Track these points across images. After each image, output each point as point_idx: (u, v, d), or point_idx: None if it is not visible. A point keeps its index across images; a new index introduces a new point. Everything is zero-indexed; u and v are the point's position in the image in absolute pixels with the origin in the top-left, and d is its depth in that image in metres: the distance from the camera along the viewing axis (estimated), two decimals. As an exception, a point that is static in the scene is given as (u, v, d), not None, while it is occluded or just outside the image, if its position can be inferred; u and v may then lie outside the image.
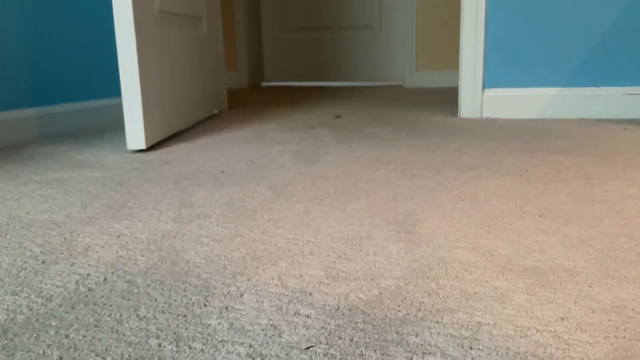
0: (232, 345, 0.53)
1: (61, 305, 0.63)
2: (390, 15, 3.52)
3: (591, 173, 1.15)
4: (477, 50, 1.90)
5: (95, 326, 0.58)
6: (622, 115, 1.83)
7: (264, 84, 4.03)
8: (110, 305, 0.63)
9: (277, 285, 0.67)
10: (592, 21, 1.82)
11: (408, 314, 0.59)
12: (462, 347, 0.52)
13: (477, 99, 1.94)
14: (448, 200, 0.99)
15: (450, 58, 3.34)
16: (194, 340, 0.55)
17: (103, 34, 2.11)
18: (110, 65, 2.16)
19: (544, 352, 0.51)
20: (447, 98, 2.78)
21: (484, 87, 1.94)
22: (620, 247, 0.75)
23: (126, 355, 0.52)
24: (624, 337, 0.53)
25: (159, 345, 0.54)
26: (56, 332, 0.57)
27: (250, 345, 0.53)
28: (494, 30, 1.90)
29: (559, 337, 0.53)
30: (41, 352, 0.53)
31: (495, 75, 1.93)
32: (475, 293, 0.63)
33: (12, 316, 0.61)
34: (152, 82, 1.59)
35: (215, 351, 0.53)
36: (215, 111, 2.28)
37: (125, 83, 1.49)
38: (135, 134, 1.51)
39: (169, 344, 0.54)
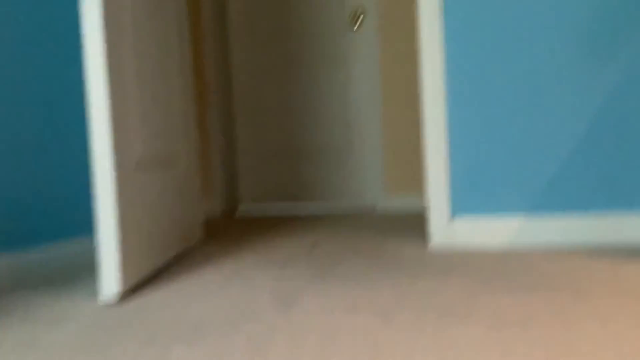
0: None
1: None
2: (359, 136, 3.67)
3: (559, 313, 1.17)
4: (442, 179, 1.99)
5: None
6: (588, 241, 1.90)
7: (240, 212, 4.08)
8: None
9: None
10: (558, 144, 1.93)
11: None
12: None
13: (446, 227, 2.00)
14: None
15: (421, 181, 3.47)
16: None
17: (75, 173, 2.15)
18: (82, 203, 2.18)
19: None
20: (419, 225, 2.84)
21: (452, 216, 2.01)
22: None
23: None
24: None
25: None
26: None
27: None
28: (458, 157, 2.00)
29: None
30: None
31: (464, 202, 2.01)
32: None
33: None
34: (129, 232, 1.60)
35: None
36: (192, 244, 2.29)
37: (102, 236, 1.51)
38: (109, 286, 1.50)
39: None
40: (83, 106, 2.21)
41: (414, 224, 2.78)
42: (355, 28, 3.61)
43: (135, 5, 1.80)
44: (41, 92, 2.06)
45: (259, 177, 4.00)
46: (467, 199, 2.01)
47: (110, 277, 1.52)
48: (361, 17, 3.58)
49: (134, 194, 1.66)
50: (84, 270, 1.99)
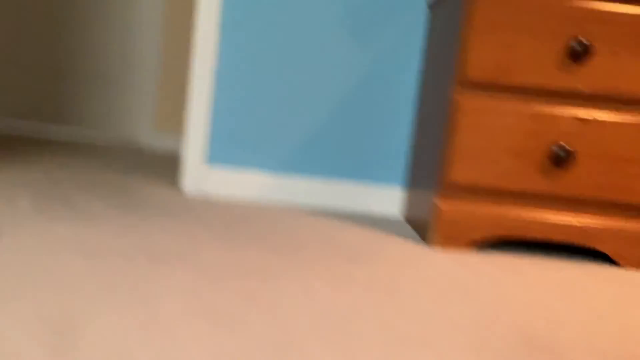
0: None
1: None
2: (133, 66, 3.48)
3: (268, 269, 1.28)
4: (203, 125, 2.00)
5: None
6: (319, 202, 2.09)
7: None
8: None
9: None
10: (309, 113, 2.06)
11: None
12: None
13: (200, 173, 2.03)
14: (124, 294, 1.01)
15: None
16: None
17: None
18: None
19: None
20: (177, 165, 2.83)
21: (206, 162, 2.04)
22: (261, 349, 0.84)
23: None
24: None
25: None
26: None
27: None
28: (221, 107, 2.02)
29: None
30: None
31: (220, 151, 2.05)
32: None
33: None
34: None
35: None
36: None
37: None
38: None
39: None
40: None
41: (176, 166, 2.76)
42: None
43: None
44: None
45: (14, 92, 3.58)
46: (224, 149, 2.05)
47: None
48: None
49: None
50: None
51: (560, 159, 1.57)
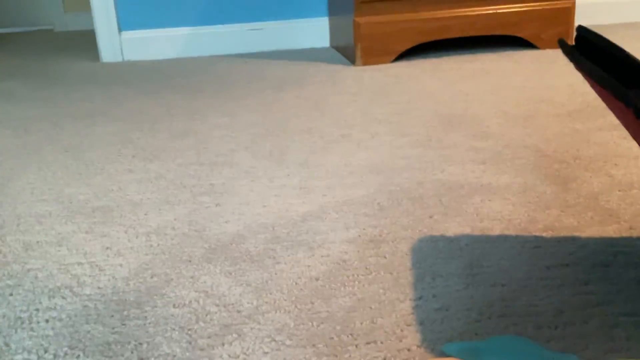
0: None
1: None
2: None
3: (197, 108, 1.29)
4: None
5: None
6: (246, 49, 2.06)
7: None
8: None
9: None
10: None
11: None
12: (2, 295, 0.58)
13: (115, 42, 1.95)
14: (52, 153, 1.02)
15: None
16: None
17: None
18: None
19: (77, 282, 0.60)
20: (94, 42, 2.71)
21: (120, 30, 1.96)
22: (190, 175, 0.89)
23: None
24: (154, 253, 0.66)
25: None
26: None
27: None
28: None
29: (96, 265, 0.64)
30: None
31: (131, 16, 1.96)
32: (37, 242, 0.69)
33: None
34: None
35: None
36: None
37: None
38: None
39: None
40: None
41: (91, 42, 2.64)
42: None
43: None
44: None
45: None
46: (135, 14, 1.96)
47: None
48: None
49: None
50: None
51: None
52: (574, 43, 0.54)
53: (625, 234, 0.65)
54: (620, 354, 0.46)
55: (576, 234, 0.65)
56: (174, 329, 0.52)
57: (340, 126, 1.09)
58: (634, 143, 0.91)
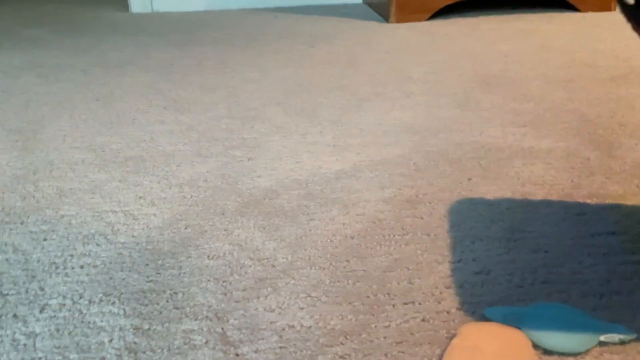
0: None
1: None
2: None
3: (228, 62, 1.27)
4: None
5: None
6: (276, 4, 2.01)
7: None
8: None
9: None
10: None
11: (-2, 219, 0.62)
12: (36, 240, 0.58)
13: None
14: (83, 102, 1.02)
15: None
16: None
17: None
18: None
19: (112, 230, 0.60)
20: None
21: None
22: (222, 129, 0.88)
23: None
24: (187, 204, 0.65)
25: None
26: None
27: None
28: None
29: (130, 214, 0.63)
30: None
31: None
32: (70, 189, 0.69)
33: None
34: None
35: None
36: None
37: None
38: None
39: None
40: None
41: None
42: None
43: None
44: None
45: None
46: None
47: None
48: None
49: None
50: None
51: None
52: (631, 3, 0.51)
53: (674, 204, 0.62)
54: (672, 326, 0.44)
55: (622, 202, 0.63)
56: (209, 280, 0.52)
57: (373, 84, 1.06)
58: (682, 111, 0.87)
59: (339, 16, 1.77)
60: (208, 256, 0.56)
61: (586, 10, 1.61)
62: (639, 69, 1.08)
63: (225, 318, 0.47)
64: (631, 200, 0.63)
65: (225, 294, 0.50)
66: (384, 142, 0.81)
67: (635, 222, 0.59)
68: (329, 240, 0.58)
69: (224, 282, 0.52)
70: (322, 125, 0.88)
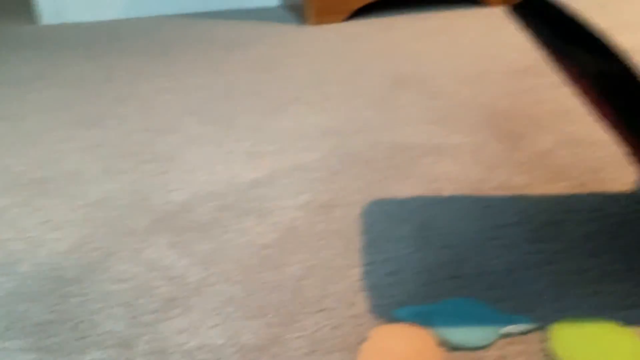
0: None
1: None
2: None
3: (142, 72, 1.24)
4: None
5: None
6: (194, 9, 1.98)
7: None
8: None
9: None
10: None
11: None
12: None
13: (55, 2, 1.85)
14: (-15, 122, 0.96)
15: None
16: None
17: None
18: None
19: (13, 259, 0.57)
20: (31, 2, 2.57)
21: (59, -11, 1.85)
22: (133, 142, 0.85)
23: None
24: (95, 226, 0.63)
25: None
26: None
27: None
28: None
29: (33, 241, 0.60)
30: None
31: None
32: (-32, 218, 0.65)
33: None
34: None
35: None
36: None
37: None
38: None
39: None
40: None
41: (27, 1, 2.50)
42: None
43: None
44: None
45: None
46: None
47: None
48: None
49: None
50: None
51: None
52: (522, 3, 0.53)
53: (575, 191, 0.65)
54: (570, 312, 0.46)
55: (526, 192, 0.65)
56: (116, 305, 0.50)
57: (292, 89, 1.06)
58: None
59: (257, 20, 1.77)
60: (116, 279, 0.54)
61: (493, 5, 1.67)
62: (544, 61, 1.13)
63: (132, 344, 0.45)
64: (535, 190, 0.65)
65: (133, 319, 0.48)
66: (301, 147, 0.81)
67: (539, 211, 0.61)
68: (243, 252, 0.57)
69: (132, 306, 0.50)
70: (239, 134, 0.87)
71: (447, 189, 0.67)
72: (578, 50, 0.42)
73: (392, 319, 0.47)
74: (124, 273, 0.55)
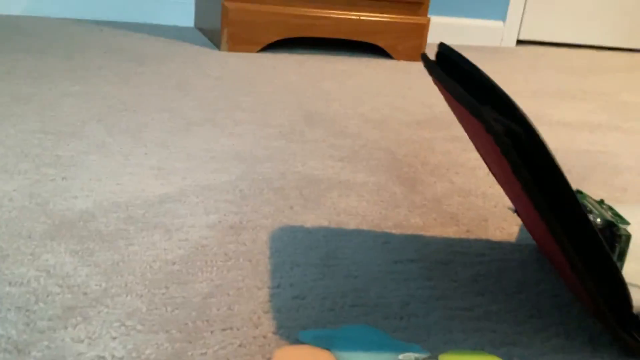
0: None
1: None
2: None
3: (45, 72, 1.18)
4: None
5: None
6: (102, 17, 1.93)
7: None
8: None
9: None
10: None
11: None
12: None
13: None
14: None
15: None
16: None
17: None
18: None
19: None
20: None
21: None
22: (33, 144, 0.81)
23: None
24: (-13, 225, 0.59)
25: None
26: None
27: None
28: None
29: None
30: None
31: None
32: None
33: None
34: None
35: None
36: None
37: None
38: None
39: None
40: None
41: None
42: None
43: None
44: None
45: None
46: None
47: None
48: None
49: None
50: None
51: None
52: (433, 58, 0.58)
53: (463, 236, 0.71)
54: (457, 345, 0.51)
55: (421, 232, 0.71)
56: (9, 309, 0.47)
57: (203, 109, 1.07)
58: (473, 154, 1.00)
59: (170, 37, 1.75)
60: (10, 283, 0.51)
61: (399, 59, 1.79)
62: (440, 115, 1.22)
63: (26, 351, 0.43)
64: (429, 232, 0.71)
65: (28, 325, 0.46)
66: (211, 168, 0.81)
67: (432, 252, 0.66)
68: (148, 266, 0.56)
69: (27, 311, 0.47)
70: (147, 147, 0.85)
71: (351, 223, 0.70)
72: (485, 107, 0.47)
73: (296, 340, 0.48)
74: (20, 277, 0.52)
